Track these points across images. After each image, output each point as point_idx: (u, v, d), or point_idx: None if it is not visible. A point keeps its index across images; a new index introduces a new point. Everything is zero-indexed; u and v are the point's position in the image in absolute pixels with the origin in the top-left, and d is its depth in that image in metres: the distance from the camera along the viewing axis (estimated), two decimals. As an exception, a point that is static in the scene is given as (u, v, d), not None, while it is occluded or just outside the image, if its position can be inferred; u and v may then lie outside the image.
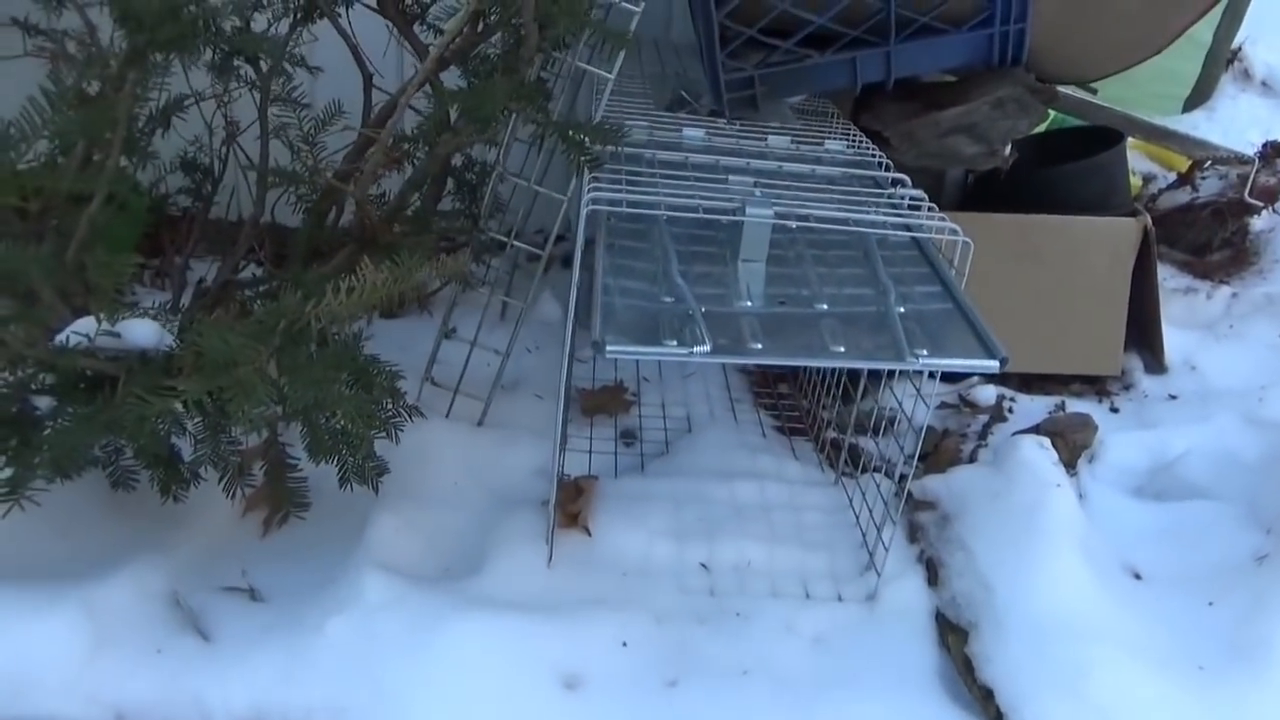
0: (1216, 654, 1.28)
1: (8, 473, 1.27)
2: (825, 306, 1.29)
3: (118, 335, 1.29)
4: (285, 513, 1.53)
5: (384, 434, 1.48)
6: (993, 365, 1.16)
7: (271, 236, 1.95)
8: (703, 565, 1.47)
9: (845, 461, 1.76)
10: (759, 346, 1.18)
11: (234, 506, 1.54)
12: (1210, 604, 1.39)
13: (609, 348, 1.13)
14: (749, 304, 1.28)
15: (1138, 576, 1.49)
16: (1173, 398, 2.05)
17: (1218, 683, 1.24)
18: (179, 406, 1.25)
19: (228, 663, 1.24)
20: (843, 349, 1.18)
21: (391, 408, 1.50)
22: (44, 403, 1.35)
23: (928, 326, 1.25)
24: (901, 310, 1.27)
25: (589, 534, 1.48)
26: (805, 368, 2.07)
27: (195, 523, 1.52)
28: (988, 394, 1.99)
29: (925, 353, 1.17)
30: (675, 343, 1.15)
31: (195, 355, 1.22)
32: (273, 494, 1.53)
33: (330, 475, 1.46)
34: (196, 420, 1.40)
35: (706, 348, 1.14)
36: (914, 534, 1.53)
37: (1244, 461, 1.71)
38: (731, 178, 1.48)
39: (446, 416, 1.79)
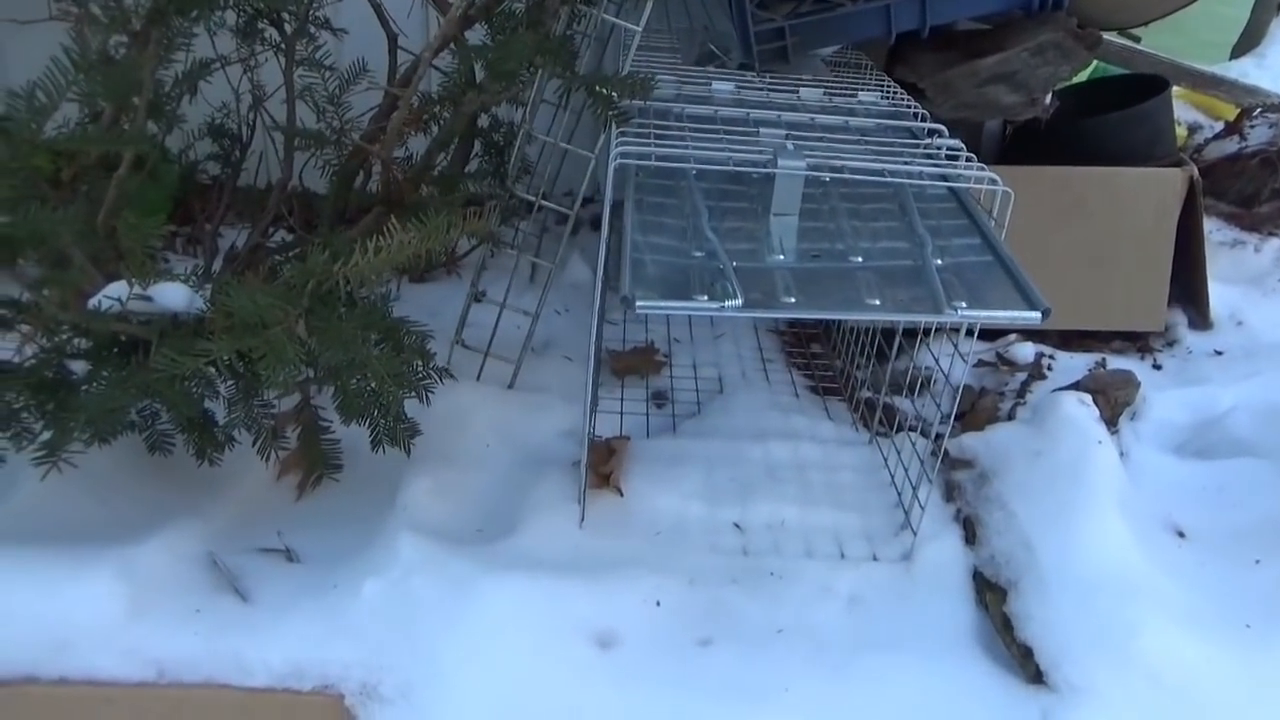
0: (1264, 613, 1.25)
1: (46, 435, 1.29)
2: (860, 260, 1.26)
3: (149, 299, 1.29)
4: (319, 475, 1.54)
5: (415, 395, 1.48)
6: (1034, 317, 1.12)
7: (301, 202, 1.95)
8: (736, 525, 1.46)
9: (880, 421, 1.73)
10: (792, 300, 1.15)
11: (269, 470, 1.55)
12: (1257, 562, 1.35)
13: (639, 303, 1.11)
14: (782, 258, 1.25)
15: (1182, 535, 1.46)
16: (1218, 353, 1.99)
17: (1265, 642, 1.21)
18: (210, 369, 1.26)
19: (266, 622, 1.25)
20: (878, 302, 1.16)
21: (422, 369, 1.50)
22: (79, 367, 1.36)
23: (966, 278, 1.22)
24: (939, 262, 1.24)
25: (621, 494, 1.48)
26: (838, 326, 2.04)
27: (231, 487, 1.54)
28: (1026, 351, 1.95)
29: (964, 305, 1.13)
30: (706, 297, 1.13)
31: (225, 316, 1.22)
32: (306, 457, 1.54)
33: (363, 438, 1.46)
34: (229, 383, 1.41)
35: (739, 302, 1.11)
36: (951, 493, 1.51)
37: (1293, 417, 1.66)
38: (762, 130, 1.45)
39: (477, 379, 1.78)
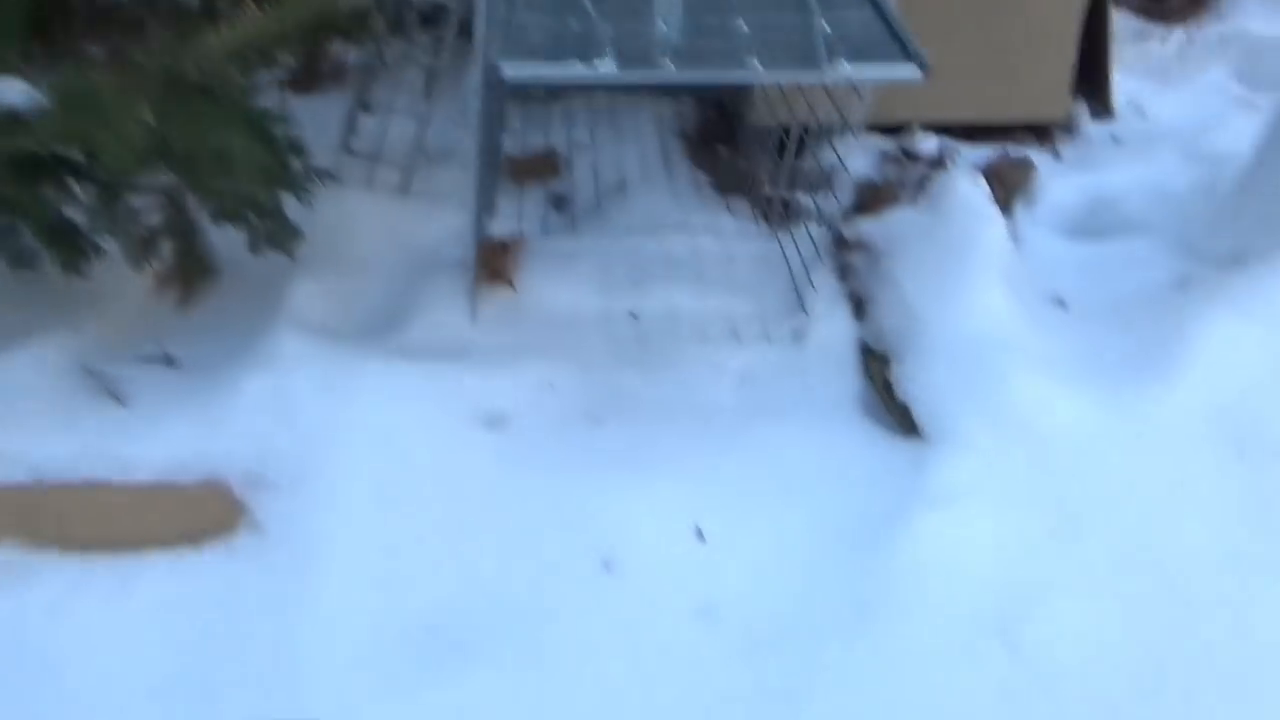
0: (1130, 367, 1.30)
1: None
2: (745, 28, 1.20)
3: (-12, 98, 1.19)
4: (197, 284, 1.48)
5: (294, 196, 1.42)
6: (913, 70, 1.09)
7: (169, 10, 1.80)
8: (632, 314, 1.46)
9: (780, 214, 1.72)
10: (670, 65, 1.10)
11: (146, 283, 1.48)
12: (1129, 325, 1.40)
13: (509, 69, 1.06)
14: (664, 28, 1.19)
15: (1063, 305, 1.50)
16: (1116, 141, 2.00)
17: (1129, 391, 1.26)
18: (63, 173, 1.18)
19: (146, 423, 1.23)
20: (759, 64, 1.11)
21: (300, 168, 1.43)
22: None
23: (850, 41, 1.17)
24: (825, 29, 1.19)
25: (514, 289, 1.45)
26: (744, 126, 1.99)
27: (109, 303, 1.47)
28: (929, 145, 1.93)
29: (843, 61, 1.10)
30: (579, 62, 1.07)
31: (63, 100, 1.13)
32: (183, 266, 1.48)
33: (244, 247, 1.40)
34: (90, 189, 1.33)
35: (613, 65, 1.06)
36: (844, 274, 1.52)
37: (1178, 195, 1.69)
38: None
39: (368, 186, 1.71)
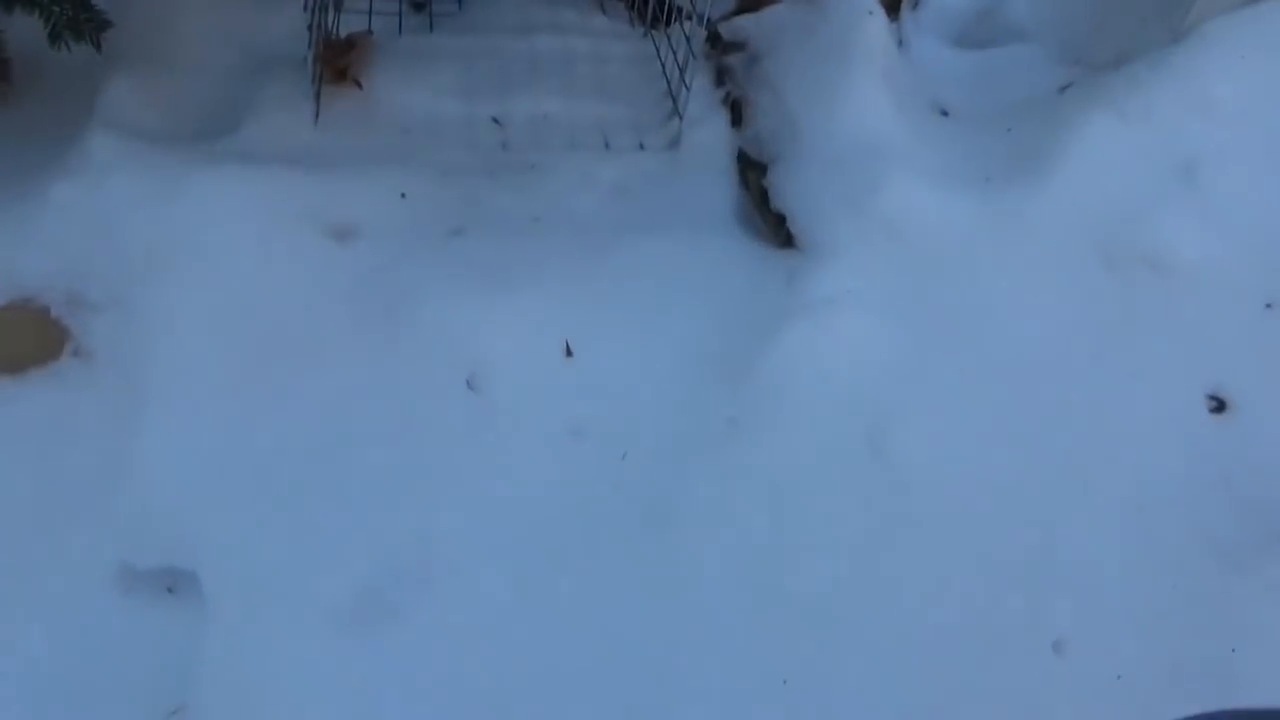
0: (1005, 168, 1.28)
1: None
2: None
3: None
4: (-9, 85, 1.29)
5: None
6: None
7: None
8: (495, 120, 1.35)
9: (655, 13, 1.60)
10: None
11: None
12: (1009, 130, 1.37)
13: None
14: None
15: (945, 114, 1.46)
16: (1008, -58, 1.92)
17: (1001, 189, 1.24)
18: None
19: (-57, 241, 1.08)
20: None
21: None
22: None
23: None
24: None
25: (360, 87, 1.32)
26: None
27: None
28: (819, -57, 1.81)
29: None
30: None
31: None
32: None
33: (48, 47, 1.21)
34: None
35: None
36: (721, 77, 1.43)
37: (1065, -1, 1.64)
38: None
39: (191, -26, 1.50)
